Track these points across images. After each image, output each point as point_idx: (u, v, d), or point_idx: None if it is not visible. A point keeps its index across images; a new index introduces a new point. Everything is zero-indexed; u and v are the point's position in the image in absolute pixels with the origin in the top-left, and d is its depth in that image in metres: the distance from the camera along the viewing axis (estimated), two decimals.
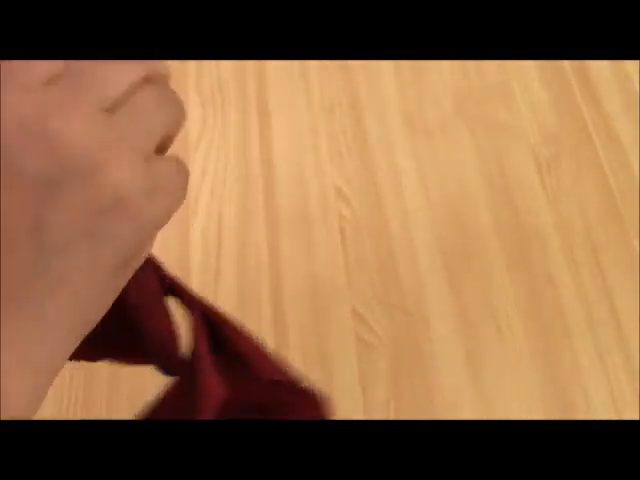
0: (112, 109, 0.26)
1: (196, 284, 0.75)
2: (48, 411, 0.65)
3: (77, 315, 0.25)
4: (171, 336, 0.33)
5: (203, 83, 0.87)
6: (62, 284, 0.25)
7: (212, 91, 0.87)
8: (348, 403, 0.66)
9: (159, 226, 0.26)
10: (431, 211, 0.77)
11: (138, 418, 0.31)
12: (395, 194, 0.79)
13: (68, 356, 0.26)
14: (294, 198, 0.78)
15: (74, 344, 0.26)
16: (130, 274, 0.27)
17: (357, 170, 0.80)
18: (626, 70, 0.87)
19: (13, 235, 0.24)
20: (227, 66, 0.88)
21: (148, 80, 0.28)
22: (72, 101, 0.25)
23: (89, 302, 0.25)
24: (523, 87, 0.86)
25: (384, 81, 0.87)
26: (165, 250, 0.72)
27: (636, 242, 0.75)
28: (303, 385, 0.33)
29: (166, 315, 0.32)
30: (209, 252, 0.75)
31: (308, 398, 0.33)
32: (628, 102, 0.84)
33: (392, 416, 0.65)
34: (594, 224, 0.76)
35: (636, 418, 0.65)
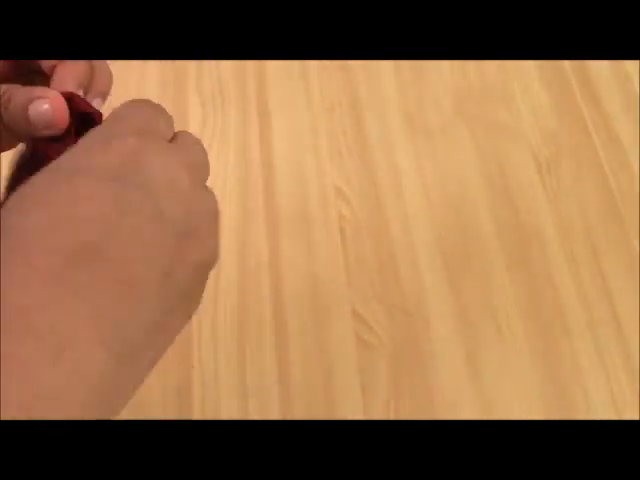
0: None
1: None
2: None
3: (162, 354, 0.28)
4: None
5: (203, 83, 0.87)
6: (171, 330, 0.27)
7: (212, 91, 0.87)
8: (348, 403, 0.66)
9: None
10: (431, 211, 0.77)
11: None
12: (395, 194, 0.78)
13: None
14: (294, 198, 0.78)
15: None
16: None
17: (357, 170, 0.80)
18: (626, 70, 0.87)
19: (148, 278, 0.25)
20: (227, 66, 0.88)
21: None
22: (196, 170, 0.28)
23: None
24: (523, 87, 0.86)
25: (384, 81, 0.87)
26: None
27: (636, 242, 0.74)
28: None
29: None
30: None
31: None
32: (628, 102, 0.84)
33: (392, 416, 0.65)
34: (594, 224, 0.76)
35: (636, 418, 0.65)
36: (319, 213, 0.77)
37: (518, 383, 0.67)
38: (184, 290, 0.26)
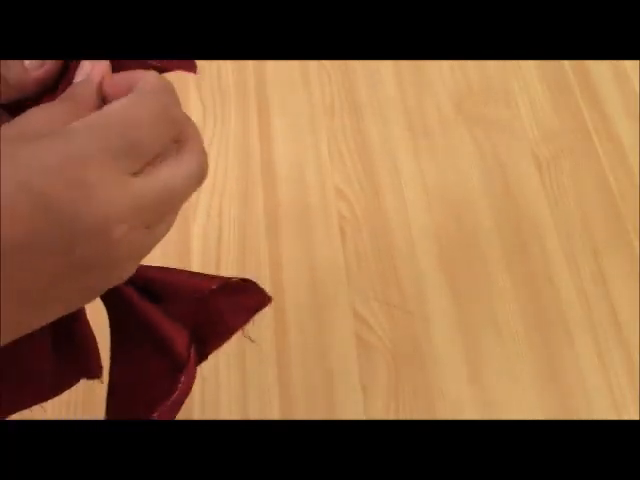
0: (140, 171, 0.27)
1: None
2: (48, 411, 0.65)
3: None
4: None
5: (203, 83, 0.87)
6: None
7: (212, 91, 0.87)
8: (348, 403, 0.66)
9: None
10: (431, 211, 0.77)
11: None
12: (395, 194, 0.79)
13: None
14: (294, 198, 0.78)
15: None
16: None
17: (357, 170, 0.80)
18: (626, 70, 0.87)
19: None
20: (227, 66, 0.88)
21: (176, 140, 0.29)
22: (109, 164, 0.26)
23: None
24: (523, 87, 0.86)
25: (384, 81, 0.87)
26: (165, 250, 0.72)
27: (636, 242, 0.75)
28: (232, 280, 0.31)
29: None
30: (209, 252, 0.75)
31: (246, 288, 0.32)
32: (628, 102, 0.84)
33: (392, 416, 0.65)
34: (594, 224, 0.76)
35: (636, 418, 0.65)
36: (319, 213, 0.77)
37: (518, 383, 0.67)
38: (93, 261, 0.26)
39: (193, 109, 0.84)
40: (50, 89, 0.31)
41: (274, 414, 0.65)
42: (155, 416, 0.29)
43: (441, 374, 0.68)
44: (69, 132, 0.26)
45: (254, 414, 0.65)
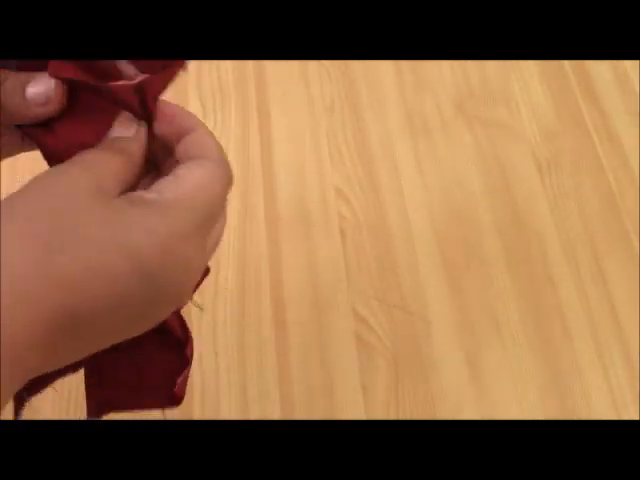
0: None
1: None
2: (48, 411, 0.65)
3: None
4: None
5: (203, 83, 0.87)
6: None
7: (212, 91, 0.87)
8: (348, 403, 0.66)
9: None
10: (431, 211, 0.77)
11: None
12: (395, 194, 0.78)
13: None
14: (294, 198, 0.78)
15: None
16: None
17: (357, 170, 0.80)
18: (626, 70, 0.87)
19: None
20: (227, 66, 0.88)
21: None
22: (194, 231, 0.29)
23: None
24: (523, 87, 0.86)
25: (384, 81, 0.87)
26: None
27: (636, 242, 0.74)
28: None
29: None
30: None
31: None
32: (628, 102, 0.84)
33: (392, 416, 0.65)
34: (594, 224, 0.76)
35: (636, 418, 0.65)
36: (319, 213, 0.77)
37: (518, 383, 0.67)
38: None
39: (193, 109, 0.84)
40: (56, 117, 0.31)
41: (274, 414, 0.65)
42: (175, 391, 0.31)
43: (441, 374, 0.68)
44: (170, 205, 0.28)
45: (254, 414, 0.65)
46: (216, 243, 0.31)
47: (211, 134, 0.32)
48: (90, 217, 0.25)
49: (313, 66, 0.88)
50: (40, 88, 0.30)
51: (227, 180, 0.31)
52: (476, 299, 0.72)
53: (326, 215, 0.77)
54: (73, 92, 0.31)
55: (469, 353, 0.69)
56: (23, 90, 0.30)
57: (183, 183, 0.29)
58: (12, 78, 0.30)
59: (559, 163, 0.80)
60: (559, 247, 0.75)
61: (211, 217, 0.30)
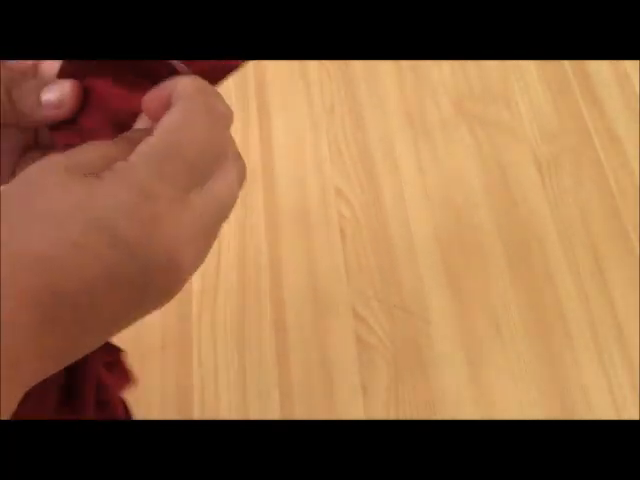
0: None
1: (196, 285, 0.75)
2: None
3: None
4: None
5: None
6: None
7: None
8: (348, 403, 0.66)
9: None
10: (431, 211, 0.77)
11: None
12: (395, 194, 0.78)
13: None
14: (294, 198, 0.78)
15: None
16: None
17: (357, 170, 0.80)
18: (626, 70, 0.87)
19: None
20: None
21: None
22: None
23: None
24: (523, 87, 0.86)
25: (384, 81, 0.87)
26: None
27: (636, 242, 0.74)
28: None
29: None
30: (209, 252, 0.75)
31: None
32: (628, 102, 0.84)
33: (392, 416, 0.65)
34: (594, 224, 0.76)
35: (636, 418, 0.65)
36: (319, 213, 0.77)
37: (518, 383, 0.67)
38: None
39: None
40: (70, 120, 0.31)
41: (274, 414, 0.65)
42: None
43: (441, 374, 0.68)
44: (130, 167, 0.25)
45: (254, 414, 0.65)
46: (214, 205, 0.27)
47: (192, 80, 0.28)
48: (56, 193, 0.24)
49: (313, 66, 0.88)
50: (55, 93, 0.30)
51: (205, 116, 0.27)
52: (476, 299, 0.72)
53: (326, 215, 0.77)
54: (93, 95, 0.31)
55: (469, 353, 0.69)
56: (38, 92, 0.30)
57: (149, 138, 0.26)
58: (27, 82, 0.30)
59: (559, 163, 0.80)
60: (559, 247, 0.75)
61: (189, 163, 0.26)
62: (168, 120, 0.26)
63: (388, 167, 0.80)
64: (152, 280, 0.25)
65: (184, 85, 0.28)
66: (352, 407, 0.66)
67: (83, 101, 0.31)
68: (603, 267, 0.73)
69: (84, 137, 0.29)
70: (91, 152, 0.27)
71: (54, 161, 0.26)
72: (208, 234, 0.27)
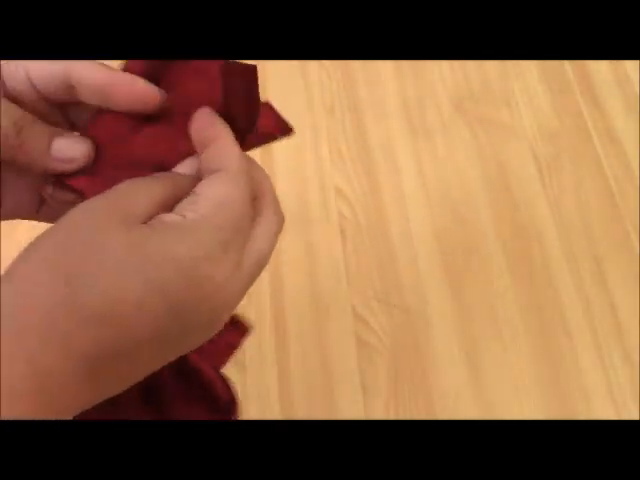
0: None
1: None
2: None
3: None
4: None
5: None
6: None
7: None
8: (348, 403, 0.66)
9: None
10: (431, 211, 0.77)
11: None
12: (395, 194, 0.79)
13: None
14: (294, 198, 0.78)
15: None
16: None
17: (357, 170, 0.80)
18: (626, 70, 0.87)
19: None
20: None
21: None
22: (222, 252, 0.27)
23: None
24: (523, 87, 0.86)
25: (384, 81, 0.87)
26: None
27: (636, 242, 0.74)
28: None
29: None
30: None
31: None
32: (628, 102, 0.84)
33: (392, 416, 0.65)
34: (594, 224, 0.76)
35: (636, 418, 0.65)
36: (319, 213, 0.77)
37: (518, 383, 0.67)
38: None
39: None
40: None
41: (274, 414, 0.65)
42: None
43: (441, 374, 0.68)
44: (192, 227, 0.26)
45: (254, 414, 0.65)
46: (258, 262, 0.29)
47: (234, 143, 0.29)
48: (112, 249, 0.25)
49: (313, 66, 0.88)
50: (67, 150, 0.30)
51: (248, 193, 0.29)
52: (476, 299, 0.72)
53: (326, 215, 0.77)
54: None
55: (469, 353, 0.69)
56: (49, 142, 0.30)
57: (203, 201, 0.27)
58: (40, 125, 0.30)
59: (559, 163, 0.80)
60: (559, 247, 0.75)
61: (238, 233, 0.27)
62: (219, 190, 0.28)
63: (388, 167, 0.80)
64: (190, 338, 0.27)
65: (232, 156, 0.29)
66: (352, 407, 0.66)
67: (97, 152, 0.30)
68: (603, 267, 0.73)
69: (104, 183, 0.29)
70: (138, 196, 0.27)
71: (104, 209, 0.26)
72: (249, 287, 0.29)
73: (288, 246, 0.75)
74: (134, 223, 0.26)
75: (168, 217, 0.27)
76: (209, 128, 0.29)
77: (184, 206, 0.28)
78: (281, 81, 0.87)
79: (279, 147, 0.82)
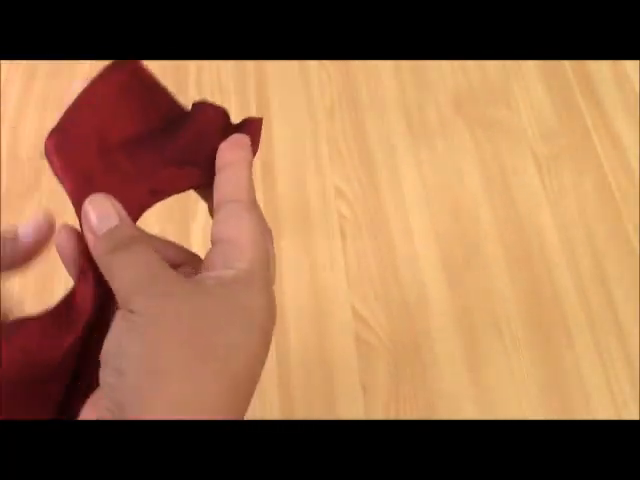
0: None
1: None
2: None
3: None
4: None
5: (203, 83, 0.87)
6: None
7: (212, 91, 0.87)
8: (348, 403, 0.66)
9: None
10: (431, 211, 0.77)
11: None
12: (395, 194, 0.79)
13: None
14: (294, 198, 0.78)
15: None
16: None
17: (357, 170, 0.80)
18: (626, 70, 0.87)
19: None
20: (227, 66, 0.88)
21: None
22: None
23: None
24: (523, 87, 0.86)
25: (384, 81, 0.87)
26: None
27: (636, 242, 0.75)
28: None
29: None
30: None
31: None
32: (628, 102, 0.84)
33: (392, 416, 0.65)
34: (594, 224, 0.76)
35: (636, 418, 0.65)
36: (319, 213, 0.77)
37: (518, 383, 0.67)
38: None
39: None
40: None
41: (274, 414, 0.65)
42: None
43: (441, 374, 0.68)
44: (250, 275, 0.31)
45: (254, 414, 0.65)
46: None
47: (242, 170, 0.32)
48: (220, 315, 0.29)
49: (313, 66, 0.88)
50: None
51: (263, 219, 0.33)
52: (476, 299, 0.72)
53: (326, 215, 0.77)
54: None
55: (469, 353, 0.69)
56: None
57: (242, 247, 0.31)
58: (68, 229, 0.31)
59: (559, 163, 0.80)
60: (559, 247, 0.75)
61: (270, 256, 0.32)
62: (247, 231, 0.32)
63: (388, 167, 0.80)
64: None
65: (243, 185, 0.32)
66: (352, 407, 0.66)
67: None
68: (603, 267, 0.73)
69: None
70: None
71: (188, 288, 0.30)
72: None
73: (288, 246, 0.75)
74: (204, 284, 0.30)
75: (223, 272, 0.30)
76: (221, 154, 0.32)
77: (227, 256, 0.31)
78: (281, 81, 0.87)
79: (279, 147, 0.82)
